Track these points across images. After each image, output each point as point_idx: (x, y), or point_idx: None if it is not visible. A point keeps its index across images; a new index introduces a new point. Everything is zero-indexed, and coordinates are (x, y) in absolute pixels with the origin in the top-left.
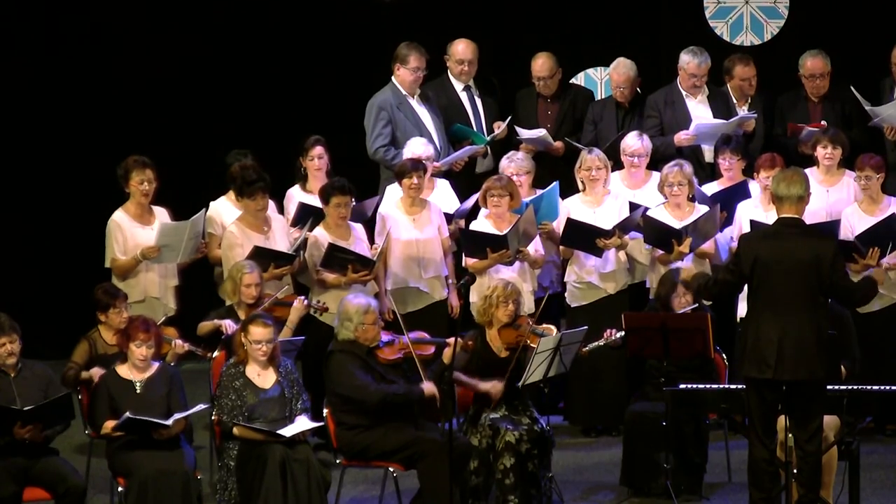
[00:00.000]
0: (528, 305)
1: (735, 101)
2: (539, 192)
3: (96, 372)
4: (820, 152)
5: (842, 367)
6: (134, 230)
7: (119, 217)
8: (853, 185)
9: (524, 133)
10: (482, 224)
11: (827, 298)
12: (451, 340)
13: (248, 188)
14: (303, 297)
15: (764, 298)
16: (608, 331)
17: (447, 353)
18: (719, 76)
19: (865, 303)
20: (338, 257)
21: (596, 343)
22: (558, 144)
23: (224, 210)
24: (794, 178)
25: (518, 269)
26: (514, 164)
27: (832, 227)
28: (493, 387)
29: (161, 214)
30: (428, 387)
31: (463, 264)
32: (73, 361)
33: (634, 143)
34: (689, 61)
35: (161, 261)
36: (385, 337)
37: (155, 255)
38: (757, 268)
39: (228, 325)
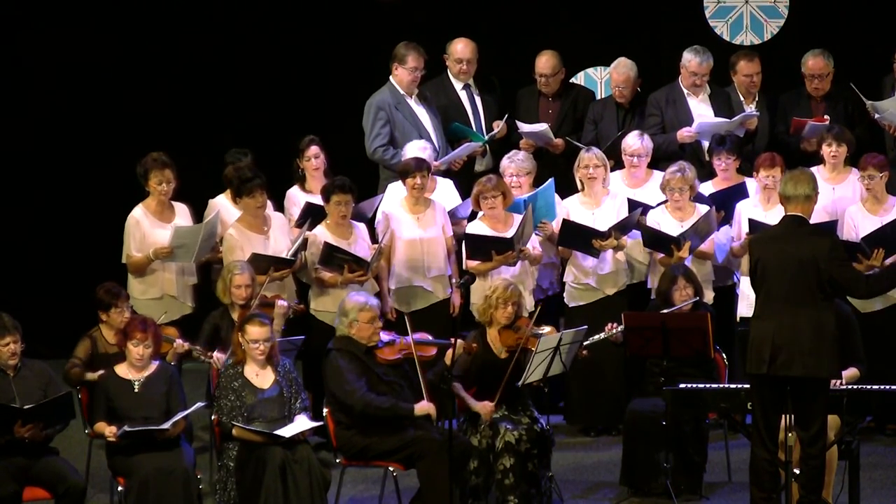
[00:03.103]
0: (529, 305)
1: (742, 98)
2: (536, 190)
3: (97, 375)
4: (825, 150)
5: (856, 370)
6: (152, 227)
7: (139, 214)
8: (859, 184)
9: (524, 127)
10: (478, 226)
11: (832, 296)
12: (453, 342)
13: (246, 186)
14: (283, 302)
15: (765, 297)
16: (610, 325)
17: (449, 355)
18: (720, 76)
19: (880, 292)
20: (334, 257)
21: (597, 336)
22: (558, 141)
23: (225, 208)
24: (802, 177)
25: (519, 268)
26: (515, 165)
27: (831, 226)
28: (483, 407)
29: (181, 211)
30: (422, 406)
31: (464, 266)
32: (75, 357)
33: (635, 142)
34: (691, 60)
35: (175, 260)
36: (385, 337)
37: (167, 256)
38: (759, 267)
39: (218, 359)
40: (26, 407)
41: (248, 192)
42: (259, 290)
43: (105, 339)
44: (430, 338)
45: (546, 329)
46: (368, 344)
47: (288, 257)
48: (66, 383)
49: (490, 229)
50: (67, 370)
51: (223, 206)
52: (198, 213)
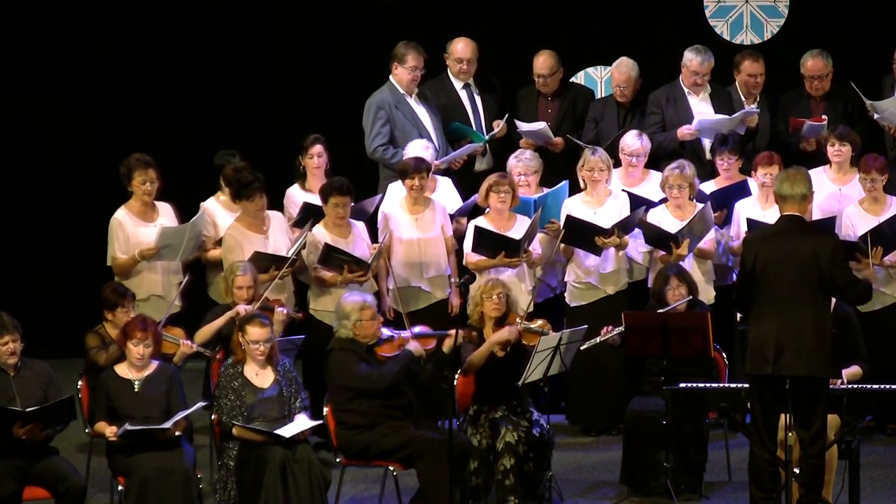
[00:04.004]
0: (527, 304)
1: (743, 97)
2: (546, 190)
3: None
4: (829, 150)
5: (858, 368)
6: (136, 229)
7: (121, 215)
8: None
9: (524, 126)
10: (482, 224)
11: (829, 296)
12: (453, 332)
13: (246, 190)
14: (282, 308)
15: (765, 296)
16: (605, 328)
17: (447, 343)
18: (721, 75)
19: (862, 302)
20: (334, 257)
21: (593, 340)
22: (557, 140)
23: (216, 210)
24: (798, 177)
25: (517, 268)
26: (522, 164)
27: (830, 223)
28: (509, 332)
29: (165, 211)
30: (414, 345)
31: (464, 262)
32: (91, 347)
33: (634, 142)
34: (693, 59)
35: (160, 259)
36: (385, 333)
37: (153, 255)
38: (758, 266)
39: (242, 308)
40: (28, 409)
41: (248, 196)
42: (263, 292)
43: (110, 337)
44: (429, 330)
45: (538, 322)
46: (372, 340)
47: (289, 256)
48: (99, 371)
49: (493, 227)
50: (101, 357)
51: (215, 209)
52: (184, 214)
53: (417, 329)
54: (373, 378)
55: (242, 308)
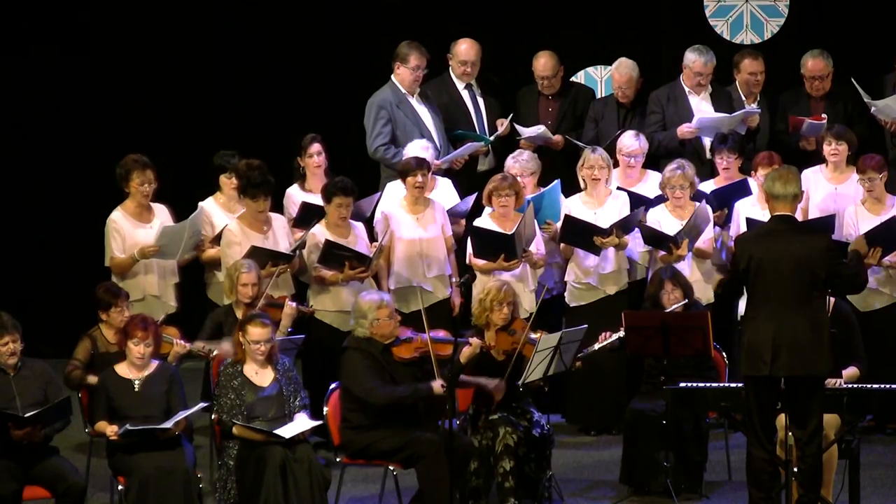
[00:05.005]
0: (529, 304)
1: (743, 97)
2: (542, 190)
3: (97, 379)
4: (826, 149)
5: (856, 369)
6: (133, 230)
7: (117, 216)
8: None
9: (523, 132)
10: (486, 223)
11: (826, 294)
12: (474, 341)
13: (252, 190)
14: (293, 303)
15: (760, 296)
16: (603, 334)
17: (465, 353)
18: (720, 75)
19: (864, 282)
20: (335, 254)
21: (593, 346)
22: (557, 138)
23: (213, 211)
24: (790, 176)
25: (519, 269)
26: (520, 165)
27: (827, 222)
28: (496, 386)
29: (160, 212)
30: (437, 384)
31: (467, 261)
32: (75, 359)
33: (631, 143)
34: (695, 60)
35: (161, 258)
36: (403, 334)
37: (154, 253)
38: (752, 266)
39: (224, 349)
40: (27, 415)
41: (252, 196)
42: (265, 289)
43: (105, 338)
44: (448, 335)
45: (536, 335)
46: (389, 339)
47: (288, 253)
48: (67, 386)
49: (497, 228)
50: (68, 373)
51: (213, 209)
52: (181, 215)
53: (435, 334)
54: (374, 394)
55: (224, 348)
